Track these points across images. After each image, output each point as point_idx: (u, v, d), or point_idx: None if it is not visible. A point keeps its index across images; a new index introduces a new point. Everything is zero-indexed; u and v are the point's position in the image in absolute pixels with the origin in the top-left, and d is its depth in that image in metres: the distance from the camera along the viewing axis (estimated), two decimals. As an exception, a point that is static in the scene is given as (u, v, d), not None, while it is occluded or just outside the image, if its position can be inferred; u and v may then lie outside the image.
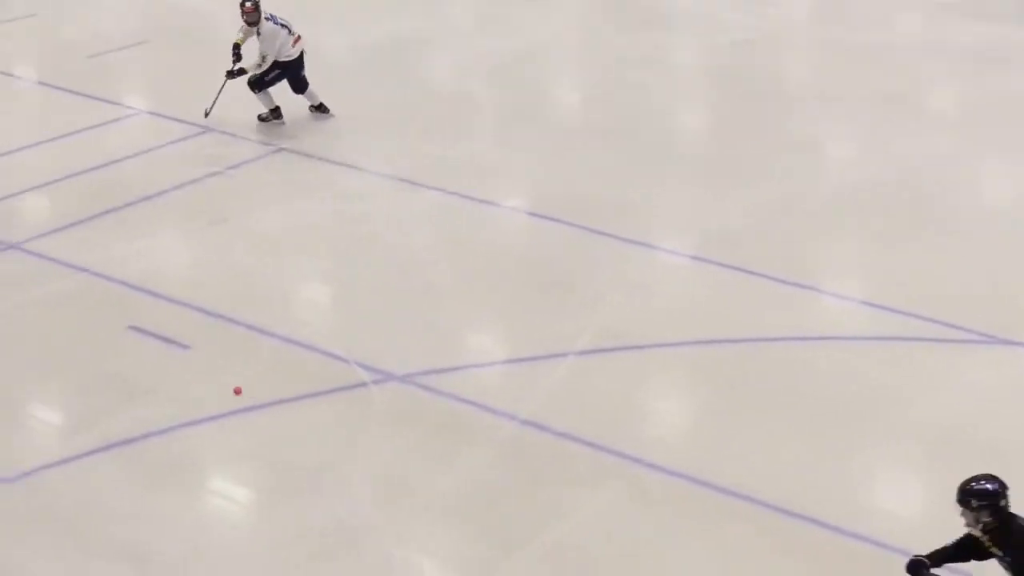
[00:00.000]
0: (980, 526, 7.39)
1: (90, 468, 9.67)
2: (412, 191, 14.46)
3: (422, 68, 18.35)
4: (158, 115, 16.38)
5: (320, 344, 11.28)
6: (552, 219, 13.74)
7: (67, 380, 10.87)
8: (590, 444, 10.06)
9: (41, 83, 17.64)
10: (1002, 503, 7.33)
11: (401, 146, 15.62)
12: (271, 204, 14.16)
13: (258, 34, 15.49)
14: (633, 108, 16.96)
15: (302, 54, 15.71)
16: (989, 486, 7.36)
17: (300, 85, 15.94)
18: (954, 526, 7.49)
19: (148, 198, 14.05)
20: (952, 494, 7.40)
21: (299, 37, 15.67)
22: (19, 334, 11.46)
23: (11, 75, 17.86)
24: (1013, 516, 7.39)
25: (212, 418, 10.18)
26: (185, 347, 11.23)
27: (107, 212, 13.69)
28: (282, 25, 15.55)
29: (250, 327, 11.55)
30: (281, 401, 10.50)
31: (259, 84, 15.61)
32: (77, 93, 17.00)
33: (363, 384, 10.74)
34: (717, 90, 17.88)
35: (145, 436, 9.97)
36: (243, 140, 15.67)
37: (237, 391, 10.29)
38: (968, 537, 7.50)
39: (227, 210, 13.94)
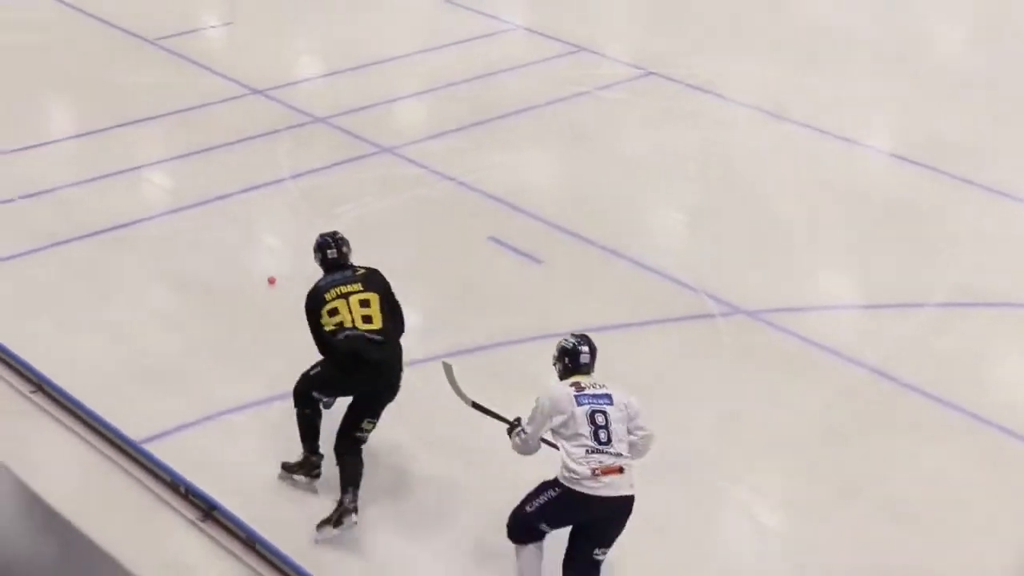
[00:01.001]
0: None
1: (441, 370, 10.04)
2: (776, 123, 14.33)
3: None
4: (534, 31, 16.72)
5: (671, 271, 11.37)
6: (915, 163, 13.39)
7: (426, 284, 11.30)
8: (936, 399, 9.84)
9: (426, -7, 18.27)
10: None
11: (770, 77, 15.47)
12: (636, 127, 14.30)
13: None
14: (1017, 56, 16.20)
15: None
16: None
17: None
18: None
19: (518, 113, 14.40)
20: None
21: None
22: (385, 236, 11.93)
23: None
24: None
25: (560, 333, 10.30)
26: (539, 262, 11.51)
27: (478, 124, 14.11)
28: None
29: (604, 248, 11.74)
30: (628, 324, 10.67)
31: None
32: (459, 5, 17.51)
33: (710, 315, 10.79)
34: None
35: (496, 345, 10.29)
36: (614, 61, 15.83)
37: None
38: None
39: (593, 130, 14.14)
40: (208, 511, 8.55)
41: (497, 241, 11.75)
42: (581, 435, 7.50)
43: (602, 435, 7.50)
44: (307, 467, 8.76)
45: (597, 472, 7.42)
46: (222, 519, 8.47)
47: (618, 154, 13.62)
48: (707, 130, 14.24)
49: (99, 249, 11.49)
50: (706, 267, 11.47)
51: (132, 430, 9.18)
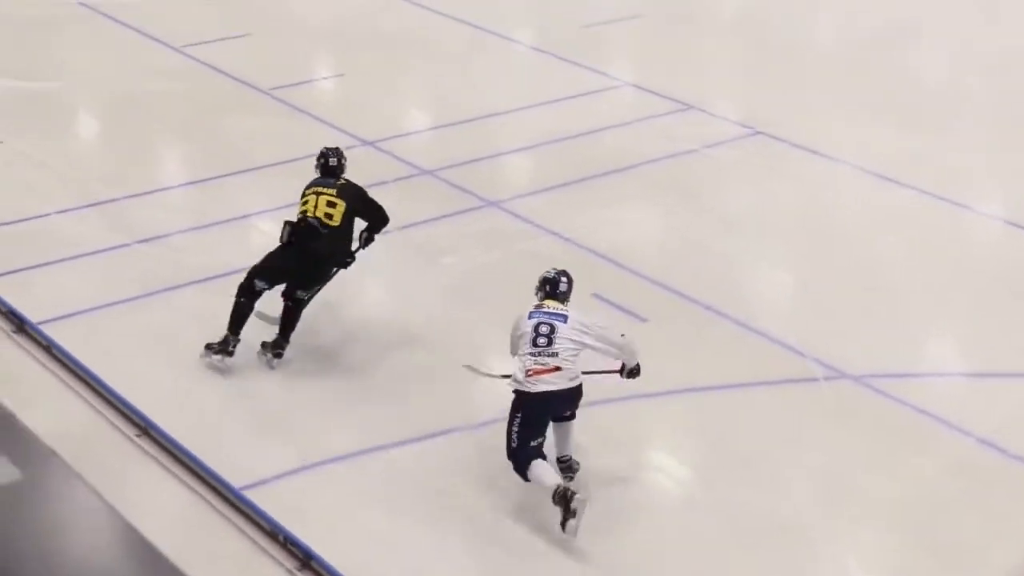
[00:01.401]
0: None
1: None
2: (884, 186, 14.20)
3: (911, 57, 17.95)
4: (643, 89, 16.73)
5: (775, 333, 11.27)
6: (1027, 229, 13.22)
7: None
8: (1046, 471, 9.65)
9: (535, 48, 18.33)
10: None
11: (878, 138, 15.34)
12: (742, 186, 14.24)
13: None
14: None
15: None
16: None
17: None
18: None
19: (624, 169, 14.40)
20: None
21: None
22: (488, 290, 11.98)
23: (510, 39, 18.64)
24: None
25: (662, 393, 10.35)
26: (643, 320, 11.46)
27: (583, 179, 14.13)
28: None
29: (708, 307, 11.67)
30: (730, 385, 10.59)
31: None
32: (568, 61, 17.59)
33: (814, 379, 10.67)
34: None
35: (596, 403, 10.19)
36: (722, 120, 15.79)
37: None
38: None
39: (699, 188, 14.11)
40: (306, 560, 8.59)
41: (600, 298, 11.72)
42: (526, 344, 8.79)
43: (541, 341, 8.74)
44: (224, 345, 10.36)
45: (530, 373, 8.69)
46: (319, 569, 8.51)
47: (724, 213, 13.56)
48: (814, 191, 14.14)
49: (207, 296, 11.64)
50: (811, 330, 11.34)
51: (234, 476, 9.26)
